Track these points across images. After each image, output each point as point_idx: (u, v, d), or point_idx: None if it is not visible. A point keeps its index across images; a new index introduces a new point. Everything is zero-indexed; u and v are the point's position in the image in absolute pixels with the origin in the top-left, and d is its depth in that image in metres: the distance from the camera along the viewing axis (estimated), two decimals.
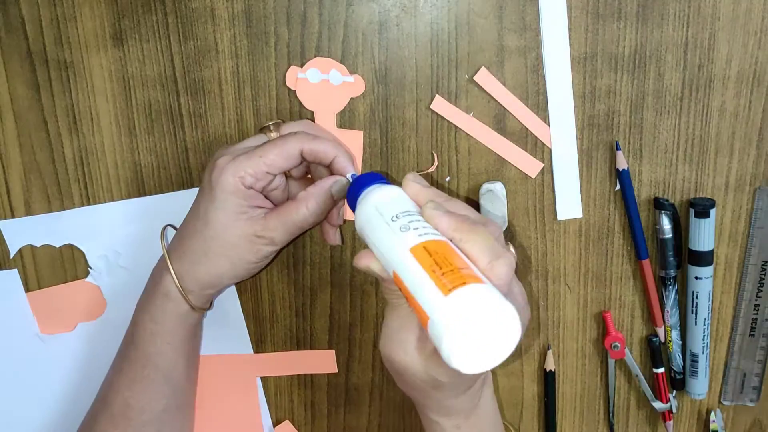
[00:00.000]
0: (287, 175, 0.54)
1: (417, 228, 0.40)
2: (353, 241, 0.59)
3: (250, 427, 0.63)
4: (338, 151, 0.51)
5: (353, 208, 0.47)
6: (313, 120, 0.55)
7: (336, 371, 0.62)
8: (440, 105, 0.55)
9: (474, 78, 0.54)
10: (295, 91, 0.55)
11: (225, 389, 0.62)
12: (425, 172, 0.56)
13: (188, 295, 0.52)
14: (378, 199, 0.44)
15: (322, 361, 0.62)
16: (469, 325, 0.34)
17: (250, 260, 0.52)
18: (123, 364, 0.54)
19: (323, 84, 0.55)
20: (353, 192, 0.47)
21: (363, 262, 0.43)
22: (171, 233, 0.55)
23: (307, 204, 0.51)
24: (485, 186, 0.56)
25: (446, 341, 0.35)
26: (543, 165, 0.57)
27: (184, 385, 0.56)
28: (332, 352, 0.61)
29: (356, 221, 0.45)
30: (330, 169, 0.52)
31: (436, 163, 0.56)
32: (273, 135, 0.52)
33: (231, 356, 0.61)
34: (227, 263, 0.51)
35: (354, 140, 0.56)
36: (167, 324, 0.53)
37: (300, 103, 0.55)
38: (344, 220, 0.57)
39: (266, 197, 0.52)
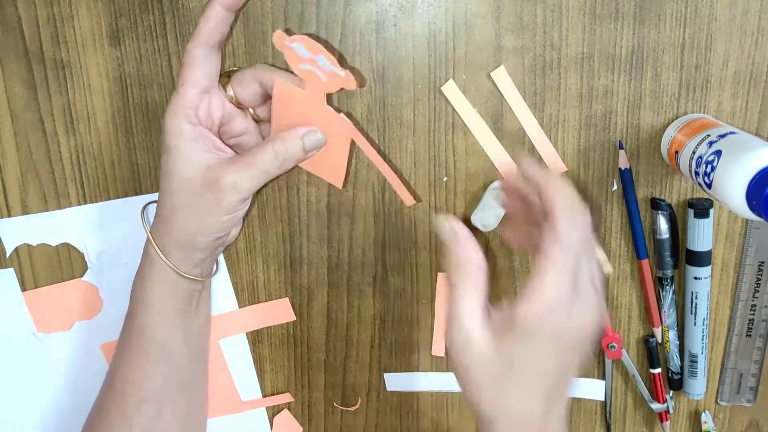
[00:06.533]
0: (257, 120, 0.52)
1: None
2: (350, 241, 0.59)
3: (225, 392, 0.62)
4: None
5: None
6: (302, 87, 0.49)
7: (294, 319, 0.61)
8: (451, 90, 0.54)
9: (491, 74, 0.54)
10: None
11: None
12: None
13: (171, 258, 0.50)
14: None
15: (279, 312, 0.60)
16: None
17: (218, 212, 0.48)
18: (121, 338, 0.53)
19: (311, 62, 0.47)
20: None
21: None
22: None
23: (275, 146, 0.47)
24: (498, 182, 0.56)
25: None
26: None
27: (183, 363, 0.54)
28: (287, 300, 0.60)
29: None
30: None
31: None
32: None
33: None
34: (194, 217, 0.48)
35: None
36: (156, 292, 0.51)
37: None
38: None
39: (236, 147, 0.51)
